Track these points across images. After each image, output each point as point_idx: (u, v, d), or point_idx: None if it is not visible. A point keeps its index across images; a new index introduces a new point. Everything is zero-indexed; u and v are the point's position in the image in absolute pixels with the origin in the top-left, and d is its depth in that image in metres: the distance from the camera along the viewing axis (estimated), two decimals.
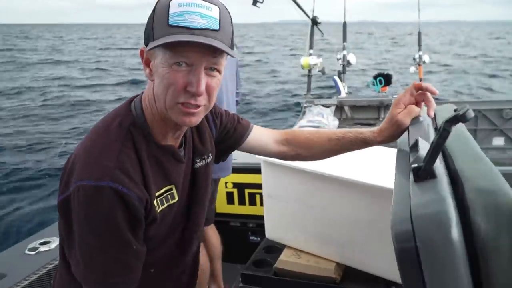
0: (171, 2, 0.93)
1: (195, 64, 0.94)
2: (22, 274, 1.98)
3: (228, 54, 0.96)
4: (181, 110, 0.98)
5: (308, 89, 4.51)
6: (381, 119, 4.00)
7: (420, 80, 4.52)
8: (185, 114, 0.98)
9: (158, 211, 1.05)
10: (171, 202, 1.09)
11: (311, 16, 4.51)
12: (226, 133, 1.31)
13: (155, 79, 0.98)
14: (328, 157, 1.35)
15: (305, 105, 4.02)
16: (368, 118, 4.04)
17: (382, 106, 4.05)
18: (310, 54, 4.44)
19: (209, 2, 0.94)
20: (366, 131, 1.25)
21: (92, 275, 0.99)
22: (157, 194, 1.05)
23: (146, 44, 0.98)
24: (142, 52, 1.02)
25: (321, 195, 1.68)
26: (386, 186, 1.50)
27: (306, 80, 4.56)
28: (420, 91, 1.15)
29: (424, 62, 4.58)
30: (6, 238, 4.59)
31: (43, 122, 11.82)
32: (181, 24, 0.91)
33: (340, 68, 4.53)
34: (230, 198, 3.25)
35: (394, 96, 4.11)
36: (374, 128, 1.24)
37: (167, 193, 1.08)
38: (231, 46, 0.98)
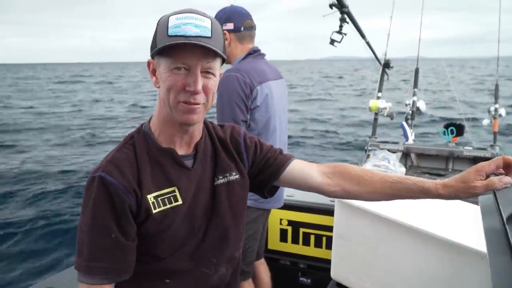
0: (170, 17, 1.09)
1: (191, 67, 1.08)
2: None
3: (221, 58, 1.11)
4: (182, 107, 1.10)
5: (373, 132, 4.39)
6: (450, 170, 3.79)
7: (495, 134, 4.27)
8: (186, 112, 1.10)
9: (157, 210, 1.12)
10: (174, 204, 1.15)
11: (383, 60, 4.44)
12: (266, 162, 1.31)
13: (160, 85, 1.12)
14: (379, 200, 1.27)
15: (369, 148, 3.90)
16: (436, 168, 3.84)
17: (451, 157, 3.85)
18: (379, 97, 4.34)
19: (202, 15, 1.10)
20: (427, 181, 1.17)
21: (79, 259, 1.09)
22: (157, 193, 1.13)
23: (152, 57, 1.14)
24: (149, 63, 1.17)
25: (394, 244, 1.57)
26: (468, 245, 1.38)
27: (372, 123, 4.45)
28: (508, 166, 1.10)
29: (500, 115, 4.33)
30: None
31: None
32: (178, 34, 1.06)
33: (408, 114, 4.39)
34: (283, 236, 3.16)
35: (466, 148, 3.91)
36: (437, 181, 1.16)
37: (169, 195, 1.15)
38: (223, 52, 1.12)
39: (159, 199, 1.13)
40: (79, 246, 1.09)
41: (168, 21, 1.08)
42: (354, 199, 1.30)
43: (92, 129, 15.56)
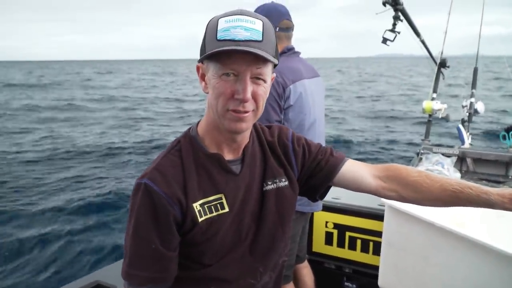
0: (219, 20, 1.04)
1: (241, 73, 1.03)
2: None
3: (273, 63, 1.05)
4: (231, 116, 1.06)
5: (427, 135, 4.21)
6: (510, 177, 3.55)
7: None
8: (235, 120, 1.06)
9: (203, 218, 1.09)
10: (221, 212, 1.12)
11: (438, 59, 4.24)
12: (317, 165, 1.25)
13: (209, 91, 1.08)
14: (436, 206, 1.19)
15: (422, 151, 3.74)
16: (495, 175, 3.61)
17: None
18: (433, 98, 4.15)
19: (252, 16, 1.04)
20: (492, 191, 1.08)
21: (124, 264, 1.10)
22: (203, 200, 1.10)
23: (201, 61, 1.10)
24: (198, 68, 1.13)
25: (447, 255, 1.48)
26: None
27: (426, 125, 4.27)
28: None
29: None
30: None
31: None
32: (227, 38, 1.00)
33: (465, 116, 4.16)
34: (328, 239, 3.09)
35: None
36: (503, 191, 1.07)
37: (216, 202, 1.12)
38: (275, 56, 1.06)
39: (205, 206, 1.10)
40: (125, 251, 1.10)
41: (217, 24, 1.03)
42: (410, 203, 1.23)
43: None
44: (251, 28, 1.01)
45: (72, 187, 7.93)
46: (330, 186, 1.28)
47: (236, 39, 1.00)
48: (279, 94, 2.07)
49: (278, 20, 2.19)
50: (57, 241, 5.60)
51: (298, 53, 2.29)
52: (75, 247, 5.44)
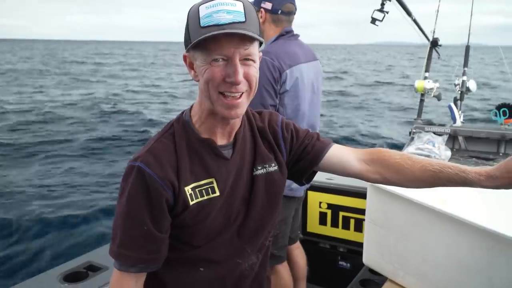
0: (200, 7, 1.05)
1: (230, 57, 1.04)
2: None
3: (259, 41, 1.07)
4: (223, 102, 1.07)
5: (419, 114, 4.22)
6: (501, 154, 3.58)
7: None
8: (228, 107, 1.08)
9: (195, 201, 1.11)
10: (212, 195, 1.14)
11: (431, 38, 4.23)
12: (304, 149, 1.28)
13: (200, 78, 1.09)
14: (418, 187, 1.22)
15: (414, 130, 3.76)
16: (486, 152, 3.64)
17: (503, 140, 3.62)
18: (426, 78, 4.15)
19: None
20: (470, 170, 1.11)
21: (113, 245, 1.11)
22: (195, 184, 1.13)
23: (187, 50, 1.10)
24: (185, 57, 1.14)
25: (426, 230, 1.53)
26: (506, 233, 1.31)
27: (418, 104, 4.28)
28: None
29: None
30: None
31: None
32: (211, 24, 1.02)
33: (457, 95, 4.17)
34: (322, 219, 3.15)
35: None
36: (480, 169, 1.09)
37: (207, 186, 1.14)
38: (260, 34, 1.08)
39: (196, 190, 1.13)
40: (114, 232, 1.12)
41: (198, 11, 1.05)
42: (394, 185, 1.27)
43: None
44: (233, 11, 1.03)
45: (65, 173, 8.02)
46: (316, 171, 1.32)
47: (220, 23, 1.01)
48: (275, 79, 2.05)
49: (281, 3, 2.17)
50: (48, 223, 5.72)
51: (296, 35, 2.27)
52: (67, 231, 5.55)
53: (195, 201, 1.12)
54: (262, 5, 2.17)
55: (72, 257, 2.23)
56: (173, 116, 1.25)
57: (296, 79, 2.13)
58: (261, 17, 2.18)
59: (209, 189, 1.14)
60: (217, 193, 1.15)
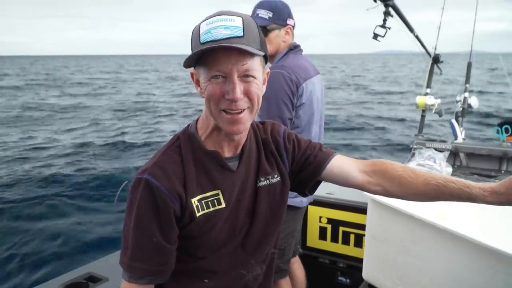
0: (201, 24, 1.06)
1: (228, 74, 1.04)
2: None
3: (260, 56, 1.07)
4: (226, 118, 1.08)
5: (420, 130, 4.22)
6: (503, 171, 3.57)
7: None
8: (231, 123, 1.08)
9: (201, 213, 1.12)
10: (217, 207, 1.15)
11: (432, 54, 4.25)
12: (306, 160, 1.28)
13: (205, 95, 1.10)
14: (420, 201, 1.21)
15: (415, 146, 3.76)
16: (487, 169, 3.63)
17: (505, 157, 3.61)
18: (427, 94, 4.16)
19: (232, 15, 1.05)
20: (474, 186, 1.10)
21: (123, 257, 1.12)
22: (201, 196, 1.13)
23: (194, 67, 1.12)
24: (192, 74, 1.15)
25: (427, 246, 1.51)
26: (507, 251, 1.30)
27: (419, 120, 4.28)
28: None
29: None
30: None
31: None
32: (209, 39, 1.02)
33: (459, 110, 4.18)
34: (322, 233, 3.12)
35: None
36: (485, 185, 1.09)
37: (213, 198, 1.15)
38: (262, 49, 1.07)
39: (202, 202, 1.13)
40: (124, 244, 1.12)
41: (199, 28, 1.06)
42: (396, 198, 1.26)
43: None
44: (231, 26, 1.03)
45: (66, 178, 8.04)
46: (320, 181, 1.31)
47: (217, 38, 1.02)
48: (293, 92, 2.08)
49: (290, 16, 2.21)
50: (49, 234, 5.72)
51: (301, 50, 2.31)
52: (68, 241, 5.54)
53: (201, 212, 1.13)
54: (288, 22, 2.20)
55: (72, 268, 2.22)
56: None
57: (311, 92, 2.17)
58: (287, 33, 2.20)
59: (215, 200, 1.15)
60: (223, 205, 1.16)
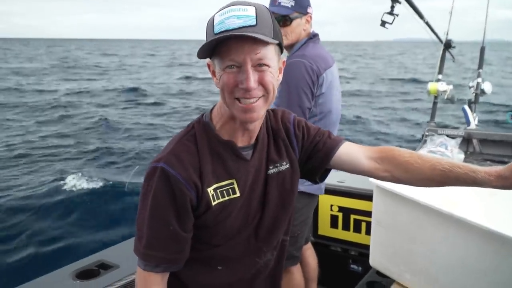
0: (215, 16, 1.07)
1: (242, 63, 1.05)
2: None
3: (275, 45, 1.07)
4: (240, 106, 1.08)
5: (432, 117, 4.18)
6: None
7: None
8: (244, 111, 1.09)
9: (216, 202, 1.14)
10: (232, 196, 1.17)
11: (444, 40, 4.19)
12: (315, 147, 1.29)
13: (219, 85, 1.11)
14: (427, 186, 1.22)
15: (426, 133, 3.73)
16: (501, 155, 3.58)
17: None
18: (439, 80, 4.11)
19: (245, 4, 1.06)
20: (480, 170, 1.10)
21: (139, 245, 1.13)
22: (216, 185, 1.15)
23: (210, 58, 1.12)
24: (209, 65, 1.16)
25: (433, 232, 1.52)
26: None
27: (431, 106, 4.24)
28: None
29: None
30: None
31: None
32: (222, 29, 1.03)
33: (472, 97, 4.12)
34: (334, 222, 3.14)
35: None
36: (490, 169, 1.09)
37: (228, 187, 1.16)
38: (276, 37, 1.07)
39: (218, 191, 1.15)
40: (139, 233, 1.14)
41: (213, 19, 1.07)
42: (403, 184, 1.27)
43: None
44: (243, 15, 1.03)
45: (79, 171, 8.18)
46: (329, 169, 1.33)
47: (230, 28, 1.03)
48: (313, 82, 2.08)
49: (309, 4, 2.21)
50: (62, 223, 5.89)
51: (319, 39, 2.30)
52: (79, 229, 5.69)
53: (217, 201, 1.14)
54: (309, 10, 2.20)
55: (83, 256, 2.27)
56: None
57: (330, 82, 2.17)
58: (307, 21, 2.21)
59: (230, 190, 1.17)
60: (238, 194, 1.18)
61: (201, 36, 1.16)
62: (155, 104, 17.91)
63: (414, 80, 26.34)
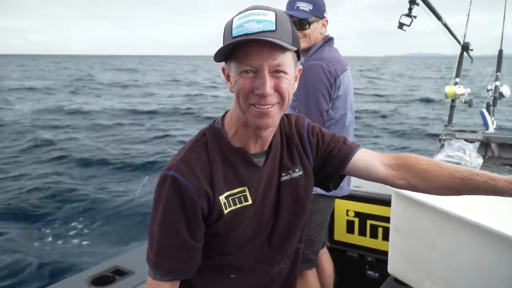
0: (233, 19, 1.05)
1: (259, 69, 1.03)
2: None
3: (293, 52, 1.05)
4: (254, 111, 1.06)
5: (450, 121, 4.12)
6: None
7: None
8: (259, 116, 1.06)
9: (228, 210, 1.12)
10: (244, 204, 1.15)
11: (461, 42, 4.13)
12: (330, 153, 1.26)
13: (234, 89, 1.09)
14: (445, 195, 1.19)
15: (444, 137, 3.67)
16: None
17: None
18: (456, 83, 4.06)
19: (265, 9, 1.04)
20: (500, 179, 1.07)
21: (150, 253, 1.13)
22: (228, 193, 1.13)
23: (225, 61, 1.11)
24: (223, 69, 1.14)
25: (453, 239, 1.49)
26: None
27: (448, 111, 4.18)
28: None
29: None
30: None
31: None
32: (241, 33, 1.01)
33: (490, 100, 4.05)
34: (350, 227, 3.11)
35: None
36: (511, 178, 1.06)
37: (239, 194, 1.14)
38: (294, 44, 1.05)
39: (230, 199, 1.13)
40: (150, 241, 1.13)
41: (232, 22, 1.05)
42: (420, 192, 1.24)
43: None
44: (263, 20, 1.02)
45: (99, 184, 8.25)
46: (344, 176, 1.30)
47: (249, 32, 1.00)
48: (331, 84, 2.10)
49: (325, 9, 2.22)
50: (78, 229, 5.95)
51: (333, 42, 2.31)
52: (95, 236, 5.74)
53: (229, 209, 1.13)
54: (325, 15, 2.22)
55: (99, 262, 2.29)
56: None
57: (346, 85, 2.19)
58: (323, 25, 2.23)
59: (242, 197, 1.15)
60: (250, 201, 1.16)
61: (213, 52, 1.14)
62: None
63: None
